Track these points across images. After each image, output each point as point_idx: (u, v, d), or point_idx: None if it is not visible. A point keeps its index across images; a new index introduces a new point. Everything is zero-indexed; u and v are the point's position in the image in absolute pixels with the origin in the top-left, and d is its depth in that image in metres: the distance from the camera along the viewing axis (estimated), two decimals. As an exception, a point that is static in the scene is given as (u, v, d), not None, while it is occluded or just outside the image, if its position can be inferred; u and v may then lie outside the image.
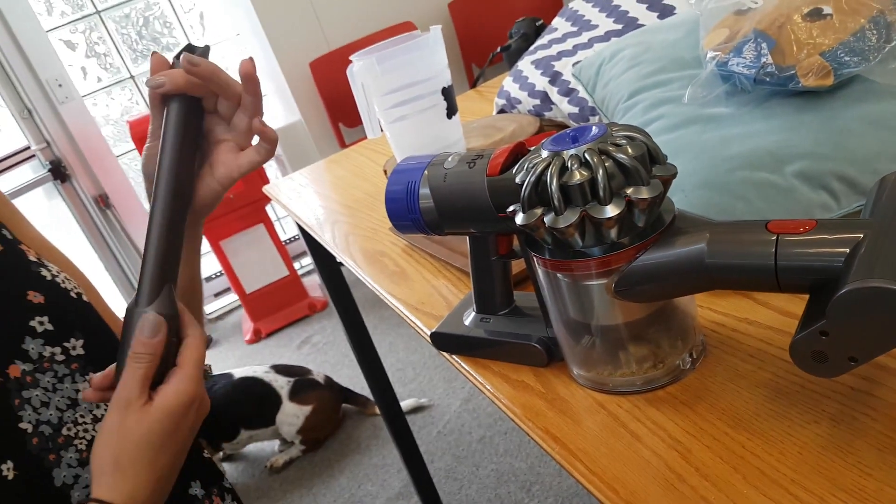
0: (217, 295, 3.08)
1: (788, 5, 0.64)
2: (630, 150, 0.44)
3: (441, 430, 2.00)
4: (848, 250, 0.39)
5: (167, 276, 0.49)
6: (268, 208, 2.72)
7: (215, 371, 2.16)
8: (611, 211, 0.43)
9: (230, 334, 2.94)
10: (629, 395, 0.50)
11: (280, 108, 2.76)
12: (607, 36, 0.99)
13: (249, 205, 2.60)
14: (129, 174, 3.00)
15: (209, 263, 3.05)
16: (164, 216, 0.50)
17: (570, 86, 0.97)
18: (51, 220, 2.85)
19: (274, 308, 2.81)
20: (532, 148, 0.50)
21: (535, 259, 0.49)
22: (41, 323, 0.53)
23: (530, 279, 0.54)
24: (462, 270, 0.75)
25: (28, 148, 2.72)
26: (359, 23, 2.53)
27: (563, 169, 0.45)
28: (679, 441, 0.44)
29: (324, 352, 2.58)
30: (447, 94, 0.94)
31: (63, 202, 2.82)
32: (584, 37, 1.03)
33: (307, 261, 3.14)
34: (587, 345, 0.51)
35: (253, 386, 2.05)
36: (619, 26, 0.99)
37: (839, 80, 0.60)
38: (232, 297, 3.09)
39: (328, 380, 2.16)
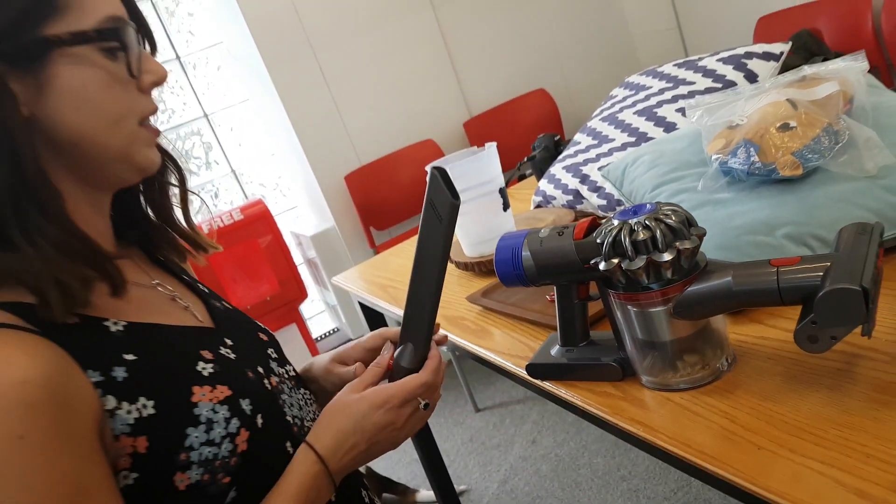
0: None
1: (766, 121, 0.90)
2: (674, 218, 0.68)
3: (479, 512, 2.11)
4: (822, 273, 0.61)
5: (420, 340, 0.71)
6: (301, 308, 2.92)
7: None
8: (667, 257, 0.66)
9: (260, 433, 3.05)
10: (687, 390, 0.70)
11: (314, 217, 3.04)
12: (624, 147, 1.26)
13: (284, 305, 2.81)
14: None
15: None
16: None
17: (598, 184, 1.23)
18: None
19: (304, 405, 2.94)
20: (603, 220, 0.73)
21: (611, 295, 0.71)
22: (271, 353, 0.73)
23: (606, 315, 0.76)
24: (534, 322, 0.96)
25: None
26: (386, 141, 2.86)
27: (632, 231, 0.68)
28: (727, 412, 0.65)
29: (356, 444, 2.70)
30: (502, 193, 1.19)
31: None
32: (605, 147, 1.30)
33: (332, 359, 3.31)
34: (652, 357, 0.72)
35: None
36: (633, 139, 1.26)
37: (806, 170, 0.85)
38: (260, 397, 3.22)
39: (368, 469, 2.27)
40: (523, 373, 0.85)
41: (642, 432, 0.67)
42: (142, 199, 0.71)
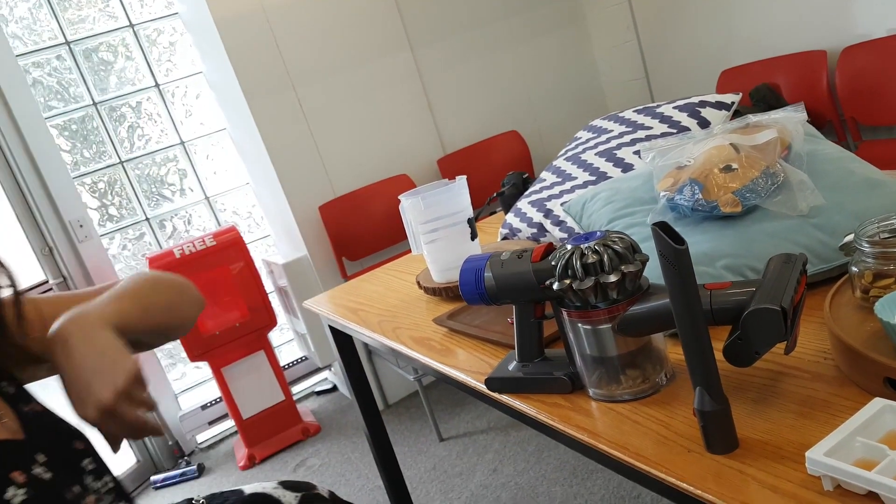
0: (212, 423, 3.19)
1: (710, 163, 0.99)
2: (621, 244, 0.75)
3: (439, 540, 2.13)
4: (748, 296, 0.68)
5: None
6: (270, 335, 2.93)
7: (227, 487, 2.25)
8: (613, 278, 0.73)
9: (223, 462, 3.02)
10: (629, 401, 0.76)
11: (286, 246, 3.07)
12: (584, 184, 1.34)
13: (253, 332, 2.82)
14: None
15: (208, 391, 3.20)
16: None
17: (560, 218, 1.31)
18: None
19: (268, 433, 2.93)
20: (558, 245, 0.80)
21: (563, 313, 0.77)
22: (87, 465, 0.68)
23: (559, 333, 0.82)
24: (494, 343, 1.01)
25: (46, 282, 2.94)
26: (361, 174, 2.93)
27: (582, 254, 0.75)
28: (663, 421, 0.71)
29: (320, 473, 2.69)
30: (470, 223, 1.26)
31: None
32: (567, 185, 1.38)
33: (301, 386, 3.31)
34: (599, 371, 0.78)
35: (263, 502, 2.17)
36: (593, 178, 1.34)
37: (745, 208, 0.94)
38: (225, 425, 3.19)
39: (332, 494, 2.27)
40: (483, 388, 0.90)
41: (586, 438, 0.73)
42: None
